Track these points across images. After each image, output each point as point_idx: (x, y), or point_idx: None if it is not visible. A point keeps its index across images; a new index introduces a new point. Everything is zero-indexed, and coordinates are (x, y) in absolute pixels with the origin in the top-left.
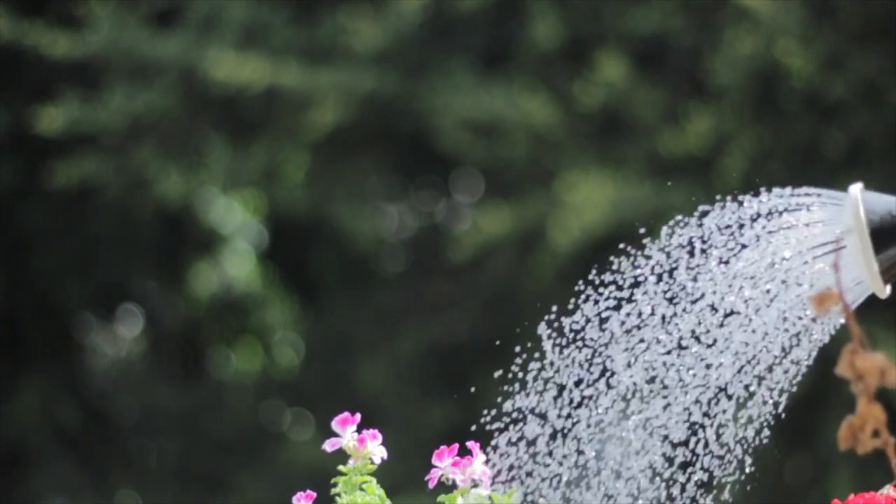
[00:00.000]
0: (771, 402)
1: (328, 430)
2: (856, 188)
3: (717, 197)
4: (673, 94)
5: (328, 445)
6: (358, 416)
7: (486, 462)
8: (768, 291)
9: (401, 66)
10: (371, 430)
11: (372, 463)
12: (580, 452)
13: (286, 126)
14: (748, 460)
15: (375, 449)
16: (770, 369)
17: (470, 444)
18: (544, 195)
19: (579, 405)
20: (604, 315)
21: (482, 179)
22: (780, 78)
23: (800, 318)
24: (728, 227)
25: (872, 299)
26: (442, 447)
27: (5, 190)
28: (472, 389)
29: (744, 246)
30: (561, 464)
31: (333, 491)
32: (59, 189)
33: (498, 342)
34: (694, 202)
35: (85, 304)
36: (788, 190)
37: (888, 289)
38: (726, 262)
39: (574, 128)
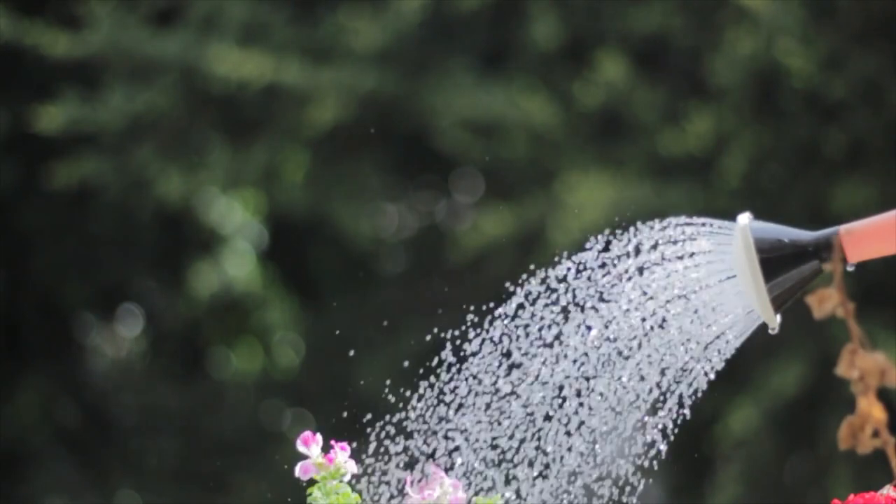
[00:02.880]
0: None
1: (328, 430)
2: (744, 218)
3: (616, 227)
4: (673, 94)
5: (300, 471)
6: (318, 435)
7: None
8: (659, 323)
9: (401, 66)
10: (340, 443)
11: (344, 471)
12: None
13: (286, 125)
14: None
15: (345, 462)
16: (654, 410)
17: (432, 466)
18: (544, 195)
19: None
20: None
21: (482, 179)
22: (780, 78)
23: (690, 349)
24: (620, 257)
25: (874, 297)
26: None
27: (5, 190)
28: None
29: (634, 274)
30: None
31: (310, 499)
32: (59, 189)
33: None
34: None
35: (85, 304)
36: (677, 220)
37: (779, 318)
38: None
39: (574, 128)
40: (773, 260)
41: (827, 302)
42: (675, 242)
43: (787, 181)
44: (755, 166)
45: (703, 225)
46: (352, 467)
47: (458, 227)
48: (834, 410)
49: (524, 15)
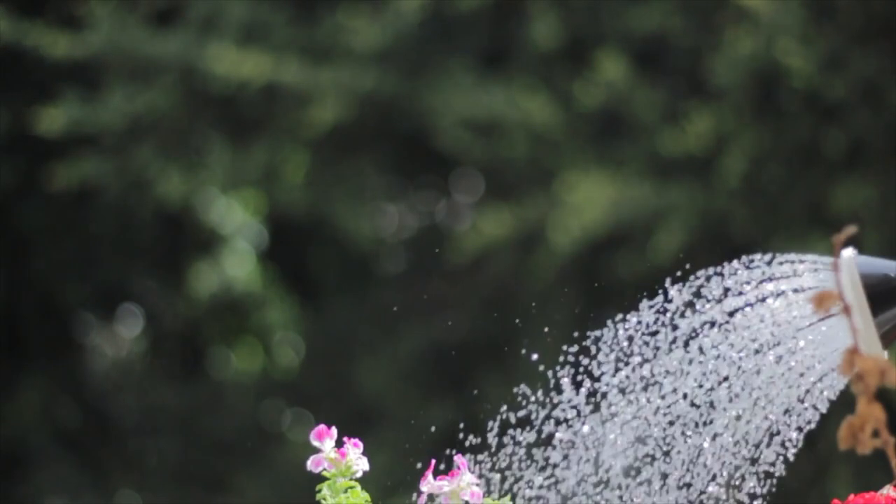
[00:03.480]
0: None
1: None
2: (849, 253)
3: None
4: (673, 94)
5: (312, 464)
6: (333, 430)
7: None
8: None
9: (400, 66)
10: (353, 439)
11: (355, 469)
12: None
13: (286, 125)
14: None
15: (357, 459)
16: (766, 442)
17: (457, 457)
18: (544, 195)
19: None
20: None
21: (482, 179)
22: (780, 78)
23: (796, 386)
24: (720, 293)
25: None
26: (430, 464)
27: (5, 190)
28: (475, 392)
29: (731, 314)
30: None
31: (318, 496)
32: (59, 189)
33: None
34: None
35: (85, 304)
36: (777, 257)
37: (886, 355)
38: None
39: (574, 128)
40: (880, 295)
41: (827, 302)
42: (778, 279)
43: (787, 181)
44: (755, 166)
45: (803, 262)
46: (364, 465)
47: (458, 227)
48: (834, 410)
49: (524, 15)
